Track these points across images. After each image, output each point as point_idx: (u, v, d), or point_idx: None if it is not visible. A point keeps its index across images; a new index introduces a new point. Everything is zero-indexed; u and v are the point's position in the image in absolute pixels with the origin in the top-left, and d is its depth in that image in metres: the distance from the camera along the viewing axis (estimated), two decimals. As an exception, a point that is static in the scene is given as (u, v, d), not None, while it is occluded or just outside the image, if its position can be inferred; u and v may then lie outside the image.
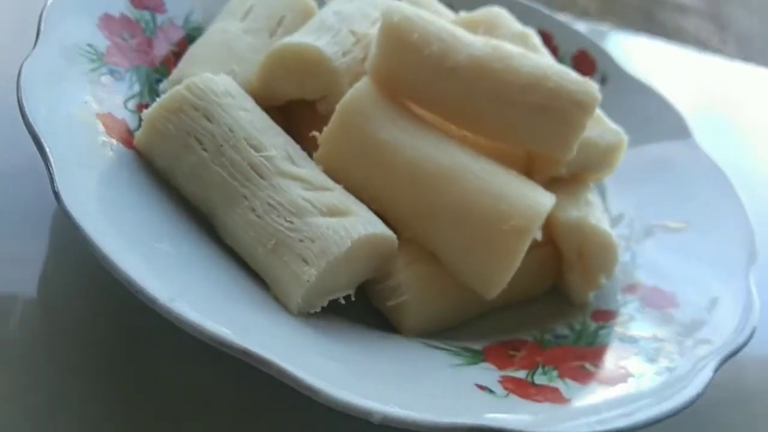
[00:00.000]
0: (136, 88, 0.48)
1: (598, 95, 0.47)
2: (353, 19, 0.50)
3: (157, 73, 0.51)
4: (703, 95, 0.92)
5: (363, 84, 0.45)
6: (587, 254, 0.47)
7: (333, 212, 0.39)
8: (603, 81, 0.67)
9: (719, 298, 0.46)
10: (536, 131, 0.47)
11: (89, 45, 0.46)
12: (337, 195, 0.40)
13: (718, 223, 0.53)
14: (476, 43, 0.46)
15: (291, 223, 0.38)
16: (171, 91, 0.42)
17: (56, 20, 0.45)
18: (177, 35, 0.54)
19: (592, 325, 0.46)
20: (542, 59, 0.48)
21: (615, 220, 0.56)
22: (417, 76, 0.45)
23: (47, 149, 0.36)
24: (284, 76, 0.47)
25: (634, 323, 0.45)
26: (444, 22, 0.47)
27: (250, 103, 0.44)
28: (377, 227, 0.39)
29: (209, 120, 0.41)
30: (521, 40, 0.55)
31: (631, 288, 0.50)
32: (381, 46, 0.45)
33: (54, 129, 0.38)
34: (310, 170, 0.41)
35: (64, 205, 0.34)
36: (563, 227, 0.47)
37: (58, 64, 0.42)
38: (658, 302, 0.47)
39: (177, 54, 0.53)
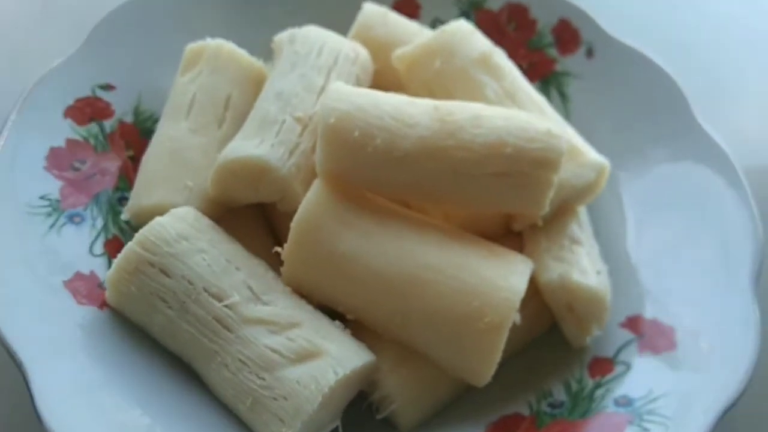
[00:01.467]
0: (99, 222, 0.48)
1: (562, 147, 0.43)
2: (296, 99, 0.48)
3: (118, 191, 0.50)
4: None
5: (314, 194, 0.43)
6: (576, 308, 0.46)
7: (302, 357, 0.39)
8: (590, 53, 0.62)
9: (719, 335, 0.45)
10: (502, 197, 0.44)
11: (41, 197, 0.46)
12: (306, 331, 0.40)
13: (722, 221, 0.50)
14: (423, 119, 0.43)
15: (263, 379, 0.39)
16: (126, 250, 0.42)
17: (3, 181, 0.45)
18: (130, 135, 0.53)
19: (589, 384, 0.45)
20: (497, 118, 0.44)
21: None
22: (366, 172, 0.43)
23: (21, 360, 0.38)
24: (237, 186, 0.46)
25: (630, 377, 0.45)
26: (387, 99, 0.44)
27: (206, 238, 0.43)
28: (349, 364, 0.39)
29: (167, 275, 0.41)
30: (482, 65, 0.51)
31: (630, 322, 0.48)
32: (324, 150, 0.43)
33: (23, 332, 0.39)
34: (274, 306, 0.41)
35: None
36: (547, 288, 0.46)
37: (14, 247, 0.43)
38: (656, 344, 0.46)
39: (135, 158, 0.52)
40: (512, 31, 0.64)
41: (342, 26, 0.57)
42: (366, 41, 0.56)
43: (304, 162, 0.45)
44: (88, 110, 0.52)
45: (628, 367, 0.46)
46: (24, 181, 0.46)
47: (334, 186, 0.44)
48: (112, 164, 0.51)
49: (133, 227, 0.48)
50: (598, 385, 0.45)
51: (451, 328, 0.41)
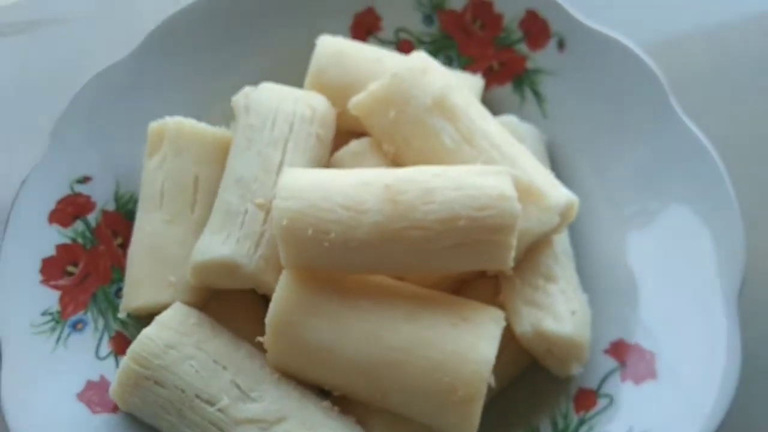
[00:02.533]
0: (101, 322, 0.52)
1: (516, 210, 0.43)
2: (256, 183, 0.49)
3: (113, 283, 0.54)
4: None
5: (282, 290, 0.45)
6: (554, 351, 0.47)
7: (293, 451, 0.43)
8: (561, 45, 0.59)
9: (700, 362, 0.45)
10: (464, 263, 0.45)
11: (43, 314, 0.50)
12: (293, 425, 0.44)
13: (706, 236, 0.49)
14: (374, 204, 0.43)
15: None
16: (122, 366, 0.46)
17: (5, 305, 0.49)
18: (115, 223, 0.55)
19: (574, 420, 0.47)
20: (448, 189, 0.43)
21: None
22: (327, 262, 0.44)
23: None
24: (214, 278, 0.48)
25: (612, 412, 0.46)
26: (339, 187, 0.44)
27: (192, 341, 0.46)
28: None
29: (162, 386, 0.45)
30: (437, 110, 0.50)
31: (613, 348, 0.49)
32: (283, 248, 0.44)
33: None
34: (262, 402, 0.44)
35: None
36: (522, 338, 0.47)
37: (26, 371, 0.47)
38: (638, 372, 0.47)
39: (124, 244, 0.54)
40: (479, 30, 0.61)
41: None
42: (323, 87, 0.55)
43: (272, 251, 0.47)
44: (70, 209, 0.54)
45: (611, 400, 0.47)
46: (24, 301, 0.50)
47: (300, 275, 0.45)
48: (104, 258, 0.54)
49: (133, 318, 0.52)
50: (582, 422, 0.47)
51: (428, 402, 0.43)
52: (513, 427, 0.49)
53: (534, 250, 0.49)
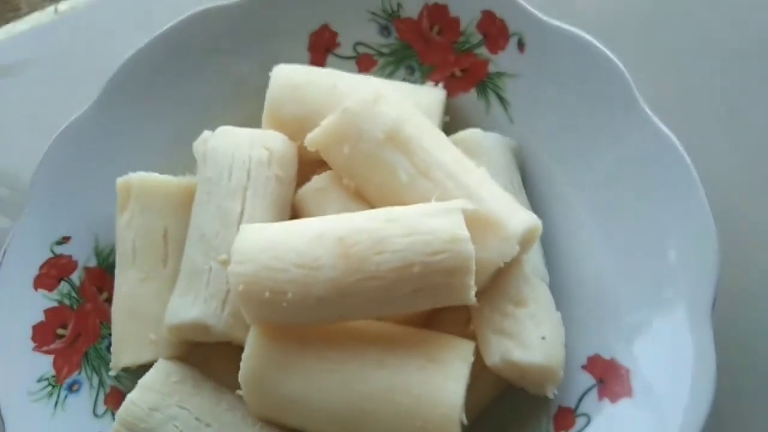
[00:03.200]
0: (95, 380, 0.54)
1: (469, 251, 0.42)
2: (217, 239, 0.49)
3: (103, 339, 0.55)
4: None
5: (250, 348, 0.46)
6: (528, 377, 0.47)
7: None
8: (521, 45, 0.56)
9: (672, 378, 0.45)
10: (426, 304, 0.45)
11: (39, 380, 0.52)
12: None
13: (678, 242, 0.48)
14: (328, 259, 0.43)
15: None
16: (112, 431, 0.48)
17: (2, 378, 0.52)
18: (98, 279, 0.57)
19: None
20: (399, 236, 0.43)
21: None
22: (288, 319, 0.45)
23: None
24: (190, 336, 0.50)
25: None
26: (292, 244, 0.44)
27: (174, 400, 0.48)
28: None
29: (151, 449, 0.47)
30: (390, 144, 0.49)
31: (590, 363, 0.49)
32: (244, 309, 0.45)
33: None
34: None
35: None
36: (494, 369, 0.47)
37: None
38: (614, 390, 0.47)
39: (109, 299, 0.56)
40: (437, 36, 0.59)
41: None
42: (280, 123, 0.55)
43: (239, 308, 0.48)
44: (53, 272, 0.56)
45: (588, 420, 0.47)
46: (20, 369, 0.52)
47: (267, 330, 0.46)
48: (91, 316, 0.56)
49: (126, 371, 0.54)
50: None
51: (402, 446, 0.44)
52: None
53: (502, 272, 0.49)
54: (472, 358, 0.45)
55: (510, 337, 0.47)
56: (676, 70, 0.63)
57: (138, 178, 0.54)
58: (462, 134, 0.55)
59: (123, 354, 0.52)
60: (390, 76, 0.61)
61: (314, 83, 0.56)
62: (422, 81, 0.60)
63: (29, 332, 0.54)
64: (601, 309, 0.50)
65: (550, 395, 0.47)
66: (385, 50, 0.61)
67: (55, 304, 0.55)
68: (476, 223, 0.46)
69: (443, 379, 0.44)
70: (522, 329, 0.47)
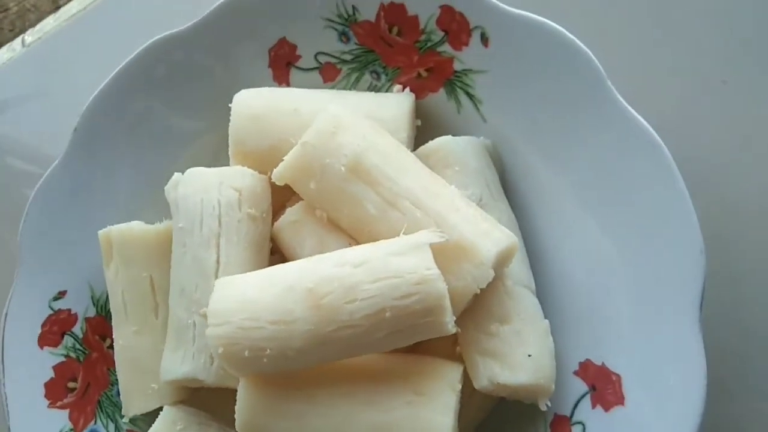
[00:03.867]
0: (111, 426, 0.56)
1: (440, 289, 0.42)
2: (197, 292, 0.50)
3: (113, 385, 0.58)
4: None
5: (241, 399, 0.47)
6: (520, 394, 0.47)
7: None
8: (485, 40, 0.53)
9: (665, 384, 0.44)
10: (404, 342, 0.45)
11: (58, 436, 0.55)
12: None
13: (663, 240, 0.46)
14: (301, 312, 0.43)
15: None
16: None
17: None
18: (100, 328, 0.58)
19: None
20: (368, 282, 0.42)
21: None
22: (272, 370, 0.46)
23: None
24: (186, 385, 0.51)
25: (585, 441, 0.47)
26: (264, 299, 0.44)
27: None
28: None
29: None
30: (354, 176, 0.48)
31: (582, 369, 0.49)
32: (229, 369, 0.46)
33: None
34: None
35: None
36: (485, 392, 0.47)
37: None
38: (606, 397, 0.47)
39: (113, 345, 0.58)
40: (398, 38, 0.56)
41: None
42: (247, 157, 0.54)
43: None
44: (55, 328, 0.57)
45: (583, 428, 0.47)
46: (39, 429, 0.55)
47: (256, 379, 0.47)
48: (99, 365, 0.58)
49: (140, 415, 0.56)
50: None
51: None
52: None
53: (483, 289, 0.48)
54: (459, 386, 0.46)
55: (496, 359, 0.47)
56: (643, 51, 0.59)
57: (117, 231, 0.54)
58: (432, 145, 0.53)
59: (131, 404, 0.54)
60: (356, 83, 0.59)
61: (275, 110, 0.54)
62: (389, 85, 0.58)
63: (42, 390, 0.56)
64: (590, 312, 0.49)
65: (543, 407, 0.48)
66: (347, 57, 0.58)
67: (62, 358, 0.57)
68: (448, 251, 0.45)
69: (432, 413, 0.45)
70: (507, 349, 0.47)
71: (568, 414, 0.49)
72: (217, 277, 0.49)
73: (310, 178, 0.49)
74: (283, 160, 0.50)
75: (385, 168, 0.48)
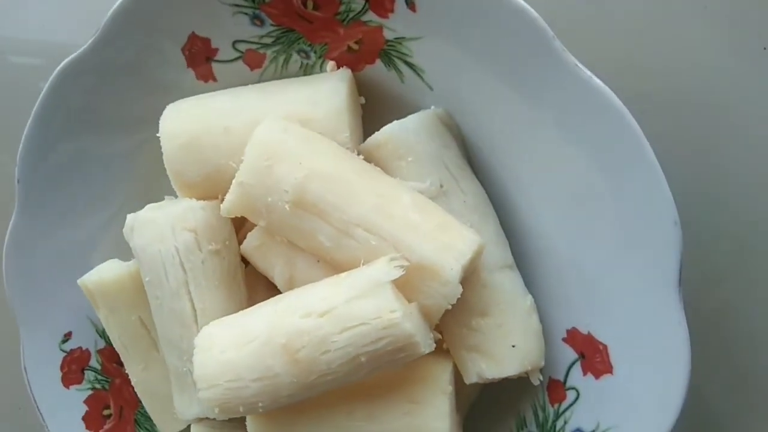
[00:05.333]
0: (152, 441, 0.61)
1: (408, 329, 0.41)
2: (183, 341, 0.50)
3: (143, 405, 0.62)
4: None
5: (251, 427, 0.49)
6: (511, 378, 0.48)
7: None
8: (410, 4, 0.46)
9: (647, 353, 0.44)
10: (389, 369, 0.45)
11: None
12: None
13: (635, 207, 0.43)
14: (280, 368, 0.43)
15: None
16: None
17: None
18: (114, 357, 0.60)
19: (550, 413, 0.50)
20: (337, 332, 0.42)
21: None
22: (271, 410, 0.47)
23: None
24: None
25: (580, 407, 0.48)
26: (246, 362, 0.44)
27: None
28: None
29: None
30: (300, 209, 0.45)
31: (570, 336, 0.49)
32: (232, 417, 0.48)
33: None
34: None
35: None
36: (478, 384, 0.48)
37: None
38: (595, 366, 0.47)
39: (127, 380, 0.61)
40: (316, 12, 0.49)
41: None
42: (190, 188, 0.52)
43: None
44: (74, 367, 0.60)
45: (577, 394, 0.49)
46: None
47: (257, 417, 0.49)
48: (124, 388, 0.61)
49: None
50: (557, 415, 0.50)
51: None
52: (503, 415, 0.53)
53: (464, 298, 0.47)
54: (450, 388, 0.47)
55: (481, 354, 0.48)
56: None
57: (92, 282, 0.54)
58: (380, 137, 0.49)
59: (164, 427, 0.58)
60: (285, 64, 0.53)
61: (205, 133, 0.50)
62: (321, 61, 0.52)
63: (82, 425, 0.60)
64: (573, 282, 0.48)
65: (535, 382, 0.49)
66: (267, 41, 0.52)
67: (89, 392, 0.61)
68: (412, 273, 0.44)
69: (428, 420, 0.47)
70: (491, 343, 0.47)
71: (561, 379, 0.50)
72: (197, 323, 0.50)
73: (258, 217, 0.47)
74: (228, 186, 0.48)
75: (330, 196, 0.45)
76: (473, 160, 0.51)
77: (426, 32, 0.47)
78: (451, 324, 0.48)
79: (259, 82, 0.54)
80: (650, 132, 0.42)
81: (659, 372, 0.44)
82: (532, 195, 0.49)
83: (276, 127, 0.47)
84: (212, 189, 0.51)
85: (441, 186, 0.48)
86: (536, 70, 0.44)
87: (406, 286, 0.44)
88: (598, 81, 0.42)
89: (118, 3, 0.50)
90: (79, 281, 0.55)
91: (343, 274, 0.45)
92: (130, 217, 0.53)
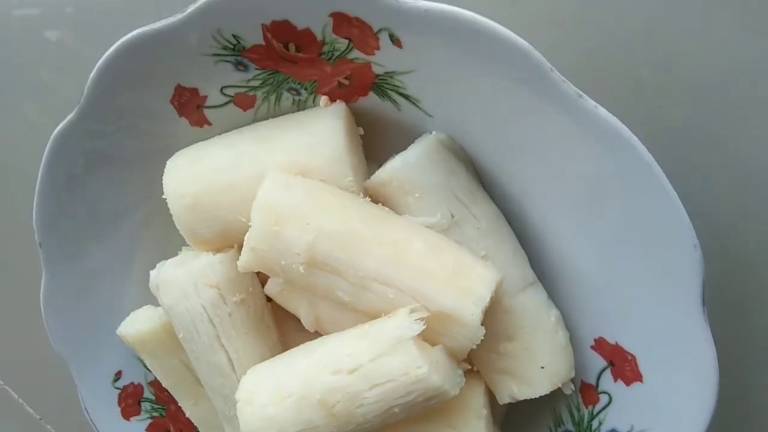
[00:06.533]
0: (216, 454, 0.65)
1: (436, 382, 0.42)
2: (225, 389, 0.52)
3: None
4: None
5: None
6: (543, 392, 0.49)
7: None
8: (395, 41, 0.43)
9: (679, 366, 0.44)
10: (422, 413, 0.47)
11: (181, 477, 0.65)
12: None
13: (645, 226, 0.42)
14: (319, 420, 0.45)
15: None
16: None
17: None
18: (163, 389, 0.64)
19: (585, 414, 0.51)
20: (367, 389, 0.43)
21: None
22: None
23: None
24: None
25: (614, 410, 0.49)
26: (285, 417, 0.46)
27: None
28: None
29: None
30: (315, 269, 0.45)
31: (598, 345, 0.49)
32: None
33: None
34: None
35: None
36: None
37: None
38: (625, 374, 0.48)
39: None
40: (299, 54, 0.47)
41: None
42: (206, 244, 0.52)
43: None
44: (130, 401, 0.63)
45: (610, 398, 0.50)
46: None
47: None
48: (180, 413, 0.65)
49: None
50: (592, 416, 0.51)
51: None
52: (540, 413, 0.55)
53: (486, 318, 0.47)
54: (485, 411, 0.48)
55: (511, 376, 0.49)
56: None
57: (130, 334, 0.56)
58: (383, 176, 0.48)
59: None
60: (277, 102, 0.51)
61: (210, 191, 0.49)
62: (313, 97, 0.50)
63: (153, 449, 0.65)
64: (598, 296, 0.48)
65: (567, 392, 0.50)
66: (255, 83, 0.50)
67: (149, 420, 0.65)
68: (433, 321, 0.44)
69: (464, 444, 0.49)
70: (520, 366, 0.48)
71: (593, 383, 0.51)
72: (234, 372, 0.52)
73: (275, 274, 0.47)
74: (242, 237, 0.48)
75: (342, 254, 0.45)
76: (483, 178, 0.50)
77: (416, 66, 0.44)
78: (479, 350, 0.49)
79: (254, 121, 0.53)
80: (665, 151, 0.40)
81: (689, 383, 0.45)
82: (546, 208, 0.48)
83: (279, 186, 0.46)
84: (227, 241, 0.51)
85: (452, 216, 0.48)
86: (536, 103, 0.42)
87: (428, 331, 0.44)
88: (603, 111, 0.40)
89: (96, 68, 0.49)
90: (117, 332, 0.58)
91: (366, 326, 0.45)
92: (152, 274, 0.54)
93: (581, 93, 0.40)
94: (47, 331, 0.60)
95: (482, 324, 0.44)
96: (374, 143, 0.51)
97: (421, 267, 0.45)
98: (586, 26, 0.49)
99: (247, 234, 0.46)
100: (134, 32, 0.47)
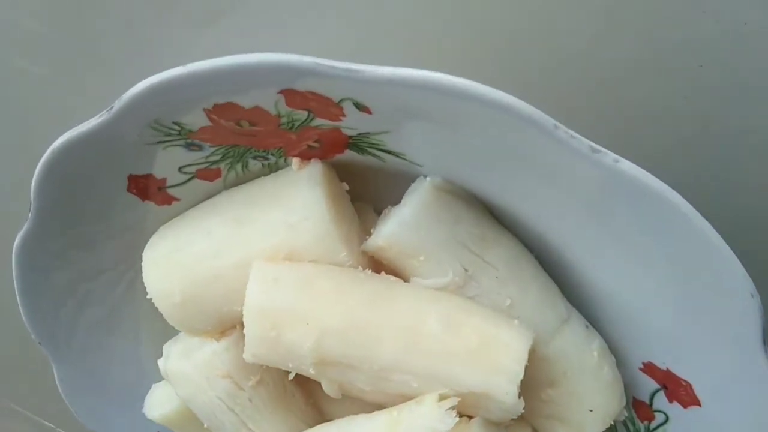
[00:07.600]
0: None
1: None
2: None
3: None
4: None
5: None
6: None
7: None
8: (362, 108, 0.36)
9: (738, 396, 0.40)
10: None
11: None
12: None
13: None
14: None
15: None
16: None
17: None
18: None
19: (641, 428, 0.48)
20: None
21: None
22: None
23: None
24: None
25: (672, 427, 0.45)
26: None
27: None
28: None
29: None
30: (326, 366, 0.41)
31: (648, 368, 0.45)
32: None
33: None
34: None
35: None
36: None
37: None
38: (681, 397, 0.43)
39: None
40: (255, 128, 0.40)
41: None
42: (208, 334, 0.47)
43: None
44: None
45: (666, 417, 0.46)
46: None
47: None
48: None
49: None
50: (649, 431, 0.48)
51: None
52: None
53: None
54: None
55: (560, 421, 0.45)
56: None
57: (154, 419, 0.54)
58: (380, 242, 0.42)
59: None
60: (245, 169, 0.45)
61: (196, 287, 0.44)
62: (282, 160, 0.43)
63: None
64: (639, 326, 0.43)
65: (621, 418, 0.47)
66: (215, 158, 0.43)
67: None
68: (467, 399, 0.40)
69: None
70: (567, 411, 0.44)
71: (647, 401, 0.47)
72: (270, 454, 0.50)
73: (286, 369, 0.43)
74: (241, 319, 0.44)
75: (352, 350, 0.40)
76: (492, 210, 0.44)
77: (392, 127, 0.37)
78: (524, 398, 0.45)
79: (224, 188, 0.46)
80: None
81: (750, 418, 0.41)
82: (569, 236, 0.42)
83: (266, 284, 0.41)
84: (226, 325, 0.47)
85: (465, 270, 0.42)
86: (544, 159, 0.34)
87: (462, 405, 0.40)
88: (627, 164, 0.32)
89: (36, 172, 0.43)
90: (146, 414, 0.55)
91: (394, 412, 0.42)
92: (160, 363, 0.50)
93: (595, 146, 0.33)
94: (75, 415, 0.59)
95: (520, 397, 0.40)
96: (365, 194, 0.45)
97: (442, 348, 0.40)
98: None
99: (245, 339, 0.42)
100: (62, 138, 0.40)
